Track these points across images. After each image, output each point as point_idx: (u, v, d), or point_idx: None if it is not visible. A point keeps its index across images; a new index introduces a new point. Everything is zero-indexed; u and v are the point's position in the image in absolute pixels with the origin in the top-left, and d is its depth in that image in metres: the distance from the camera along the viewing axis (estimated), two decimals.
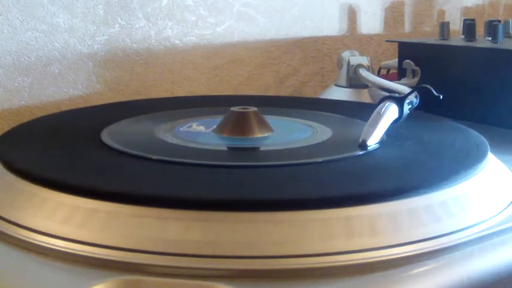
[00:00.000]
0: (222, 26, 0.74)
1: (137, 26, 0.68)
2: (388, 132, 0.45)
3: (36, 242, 0.33)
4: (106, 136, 0.46)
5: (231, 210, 0.33)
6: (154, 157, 0.41)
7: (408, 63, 0.68)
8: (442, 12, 0.94)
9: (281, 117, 0.53)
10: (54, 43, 0.63)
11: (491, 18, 0.75)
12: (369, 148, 0.43)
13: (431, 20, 0.93)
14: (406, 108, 0.48)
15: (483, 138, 0.46)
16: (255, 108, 0.48)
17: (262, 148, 0.45)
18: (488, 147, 0.44)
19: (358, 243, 0.32)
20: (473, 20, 0.70)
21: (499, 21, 0.69)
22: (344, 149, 0.43)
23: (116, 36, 0.67)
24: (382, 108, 0.46)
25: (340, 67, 0.71)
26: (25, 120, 0.54)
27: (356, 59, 0.70)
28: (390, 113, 0.46)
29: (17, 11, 0.60)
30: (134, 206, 0.33)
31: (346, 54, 0.71)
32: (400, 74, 0.70)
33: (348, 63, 0.69)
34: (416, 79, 0.67)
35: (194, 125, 0.51)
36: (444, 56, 0.66)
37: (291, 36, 0.79)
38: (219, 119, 0.49)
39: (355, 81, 0.69)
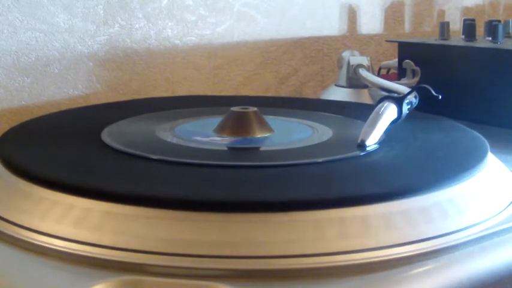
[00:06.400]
0: (222, 26, 0.74)
1: (137, 26, 0.68)
2: (388, 132, 0.45)
3: (36, 242, 0.33)
4: (106, 136, 0.46)
5: (231, 210, 0.33)
6: (154, 157, 0.41)
7: (408, 63, 0.68)
8: (442, 12, 0.94)
9: (281, 117, 0.53)
10: (54, 43, 0.63)
11: (491, 18, 0.75)
12: (368, 148, 0.43)
13: (431, 20, 0.93)
14: (405, 108, 0.48)
15: (483, 138, 0.46)
16: (255, 108, 0.48)
17: (262, 148, 0.45)
18: (488, 148, 0.44)
19: (358, 243, 0.32)
20: (473, 20, 0.70)
21: (499, 21, 0.69)
22: (344, 149, 0.43)
23: (116, 36, 0.67)
24: (380, 108, 0.46)
25: (340, 67, 0.71)
26: (25, 120, 0.54)
27: (356, 59, 0.69)
28: (389, 113, 0.46)
29: (17, 11, 0.60)
30: (134, 206, 0.33)
31: (346, 54, 0.71)
32: (400, 74, 0.70)
33: (348, 63, 0.69)
34: (416, 79, 0.67)
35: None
36: (444, 56, 0.66)
37: (291, 36, 0.79)
38: (219, 119, 0.49)
39: (355, 81, 0.69)
